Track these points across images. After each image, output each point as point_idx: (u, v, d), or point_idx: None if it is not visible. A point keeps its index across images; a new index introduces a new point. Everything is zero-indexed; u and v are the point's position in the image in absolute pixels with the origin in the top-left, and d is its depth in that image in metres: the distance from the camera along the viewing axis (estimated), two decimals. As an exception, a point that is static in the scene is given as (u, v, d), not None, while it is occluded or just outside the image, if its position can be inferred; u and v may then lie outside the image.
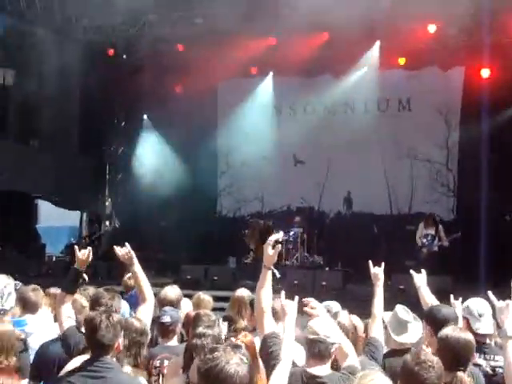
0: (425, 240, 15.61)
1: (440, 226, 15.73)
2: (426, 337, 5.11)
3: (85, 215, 21.46)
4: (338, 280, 15.35)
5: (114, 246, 5.43)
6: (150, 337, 4.97)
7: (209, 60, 18.10)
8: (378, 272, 5.64)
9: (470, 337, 4.53)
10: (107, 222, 21.32)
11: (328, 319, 4.61)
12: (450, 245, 15.44)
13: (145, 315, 5.14)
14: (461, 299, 5.79)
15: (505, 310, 4.50)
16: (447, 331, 4.55)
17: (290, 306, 4.40)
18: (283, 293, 4.54)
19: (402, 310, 5.43)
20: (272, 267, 4.69)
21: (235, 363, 3.14)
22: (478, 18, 15.11)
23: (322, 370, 4.30)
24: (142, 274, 5.35)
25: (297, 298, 4.49)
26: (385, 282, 5.67)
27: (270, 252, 4.62)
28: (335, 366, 4.47)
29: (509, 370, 4.31)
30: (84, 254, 5.25)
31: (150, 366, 5.14)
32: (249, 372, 3.18)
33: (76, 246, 5.52)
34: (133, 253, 5.37)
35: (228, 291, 7.49)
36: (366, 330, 5.78)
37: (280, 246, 4.67)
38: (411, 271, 5.89)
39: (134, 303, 5.87)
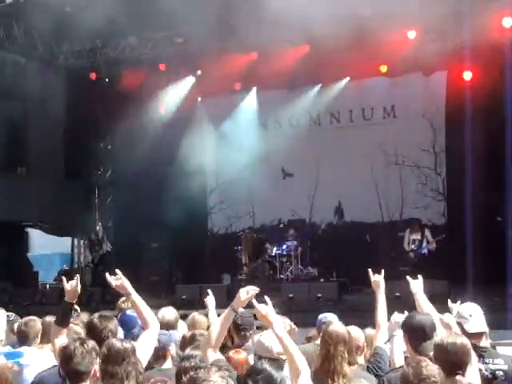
0: (413, 245, 15.75)
1: (426, 230, 15.84)
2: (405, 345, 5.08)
3: (76, 241, 21.34)
4: (334, 291, 15.32)
5: (106, 274, 5.11)
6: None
7: (192, 78, 18.17)
8: (378, 279, 5.63)
9: (465, 340, 4.49)
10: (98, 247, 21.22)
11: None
12: (437, 247, 15.52)
13: (148, 341, 5.03)
14: (459, 302, 5.78)
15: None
16: (442, 337, 4.53)
17: (270, 312, 4.19)
18: (254, 301, 4.39)
19: (398, 317, 5.41)
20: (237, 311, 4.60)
21: (215, 381, 3.09)
22: (457, 21, 15.19)
23: None
24: (141, 301, 5.10)
25: (269, 301, 4.36)
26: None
27: (243, 297, 4.47)
28: None
29: None
30: (72, 285, 5.10)
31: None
32: None
33: (64, 277, 5.31)
34: (125, 280, 5.02)
35: (223, 309, 7.44)
36: (366, 339, 5.76)
37: (253, 294, 4.50)
38: (408, 277, 5.85)
39: (127, 322, 5.83)
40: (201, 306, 8.13)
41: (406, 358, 5.03)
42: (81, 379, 4.04)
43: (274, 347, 4.29)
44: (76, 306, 5.56)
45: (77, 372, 4.04)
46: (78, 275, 5.26)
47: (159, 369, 5.41)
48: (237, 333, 5.91)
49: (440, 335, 4.59)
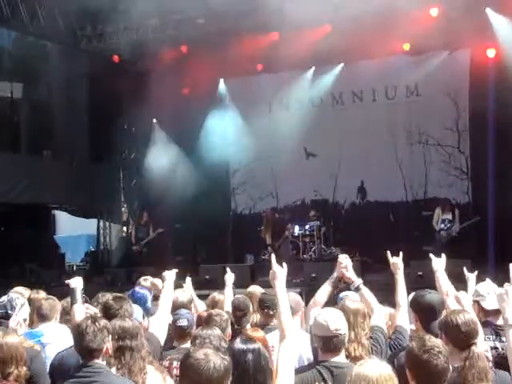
0: (442, 225, 15.63)
1: (456, 211, 15.71)
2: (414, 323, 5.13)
3: (102, 222, 21.55)
4: (357, 270, 15.15)
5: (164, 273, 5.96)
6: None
7: (214, 60, 18.14)
8: (396, 262, 5.67)
9: (472, 315, 4.53)
10: (124, 228, 21.44)
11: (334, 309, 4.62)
12: (465, 229, 15.42)
13: (161, 324, 5.28)
14: (476, 272, 5.83)
15: (504, 296, 4.44)
16: (447, 314, 4.57)
17: (280, 271, 4.33)
18: (273, 256, 4.48)
19: None
20: None
21: (210, 355, 3.18)
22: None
23: (340, 359, 4.38)
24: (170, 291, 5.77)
25: (285, 265, 4.45)
26: (404, 268, 5.69)
27: None
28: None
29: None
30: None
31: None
32: (228, 364, 3.22)
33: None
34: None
35: (245, 289, 7.57)
36: (390, 318, 5.83)
37: None
38: (431, 255, 5.87)
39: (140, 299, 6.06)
40: (222, 286, 8.24)
41: (410, 336, 5.09)
42: (93, 356, 4.16)
43: (331, 324, 4.35)
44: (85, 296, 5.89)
45: (89, 349, 4.16)
46: (80, 277, 5.86)
47: (179, 348, 5.53)
48: (261, 310, 6.00)
49: (444, 313, 4.63)
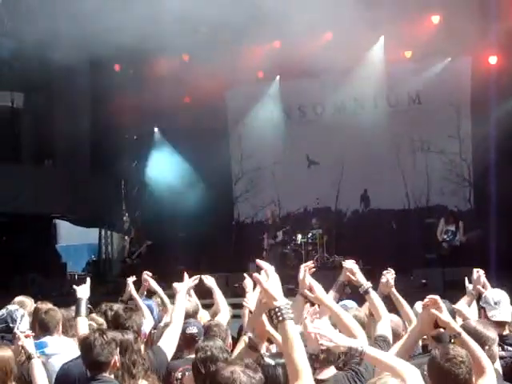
0: (445, 236, 15.62)
1: (460, 223, 15.69)
2: None
3: (104, 231, 21.51)
4: (360, 278, 15.25)
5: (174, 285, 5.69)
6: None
7: (215, 68, 18.13)
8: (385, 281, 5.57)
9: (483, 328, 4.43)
10: (126, 237, 21.39)
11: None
12: (468, 241, 15.45)
13: (171, 336, 5.21)
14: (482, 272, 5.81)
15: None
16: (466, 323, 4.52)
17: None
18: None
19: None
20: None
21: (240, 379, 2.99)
22: (481, 5, 15.05)
23: (327, 372, 4.18)
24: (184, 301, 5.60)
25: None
26: (407, 276, 5.62)
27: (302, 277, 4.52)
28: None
29: None
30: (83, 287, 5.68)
31: (171, 378, 5.11)
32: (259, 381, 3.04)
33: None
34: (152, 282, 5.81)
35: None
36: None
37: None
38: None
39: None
40: (226, 295, 8.16)
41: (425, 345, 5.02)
42: (101, 369, 4.10)
43: None
44: (89, 305, 5.81)
45: (97, 362, 4.10)
46: (88, 278, 5.87)
47: (187, 358, 5.44)
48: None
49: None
